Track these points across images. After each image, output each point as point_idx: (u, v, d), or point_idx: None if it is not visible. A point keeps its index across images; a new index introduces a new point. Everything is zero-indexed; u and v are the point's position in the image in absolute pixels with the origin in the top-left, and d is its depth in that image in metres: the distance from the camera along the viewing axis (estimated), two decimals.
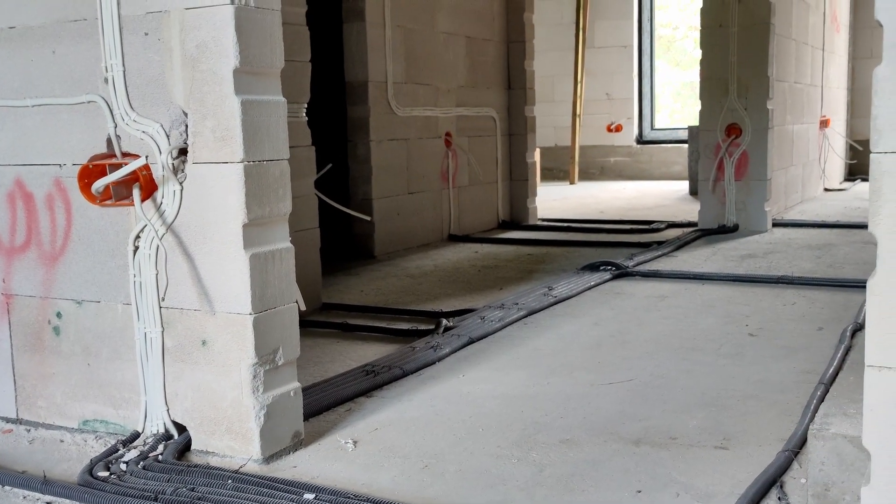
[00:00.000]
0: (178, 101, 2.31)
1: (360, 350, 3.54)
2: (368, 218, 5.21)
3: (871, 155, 1.62)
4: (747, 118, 6.37)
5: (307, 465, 2.36)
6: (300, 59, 4.10)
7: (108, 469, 2.28)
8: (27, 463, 2.42)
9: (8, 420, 2.74)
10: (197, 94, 2.28)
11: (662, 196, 9.73)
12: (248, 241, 2.29)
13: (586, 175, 12.26)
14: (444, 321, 3.72)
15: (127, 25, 2.35)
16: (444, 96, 6.47)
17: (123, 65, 2.37)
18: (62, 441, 2.57)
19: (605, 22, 12.16)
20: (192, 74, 2.28)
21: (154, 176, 2.36)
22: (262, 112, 2.31)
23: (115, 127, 2.40)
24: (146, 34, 2.33)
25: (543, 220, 7.59)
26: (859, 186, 9.63)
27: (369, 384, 2.97)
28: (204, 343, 2.36)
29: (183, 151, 2.33)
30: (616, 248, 5.90)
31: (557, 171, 12.28)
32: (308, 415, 2.62)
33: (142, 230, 2.39)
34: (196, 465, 2.30)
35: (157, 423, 2.46)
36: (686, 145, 10.83)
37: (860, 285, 3.99)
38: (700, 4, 6.46)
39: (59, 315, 2.59)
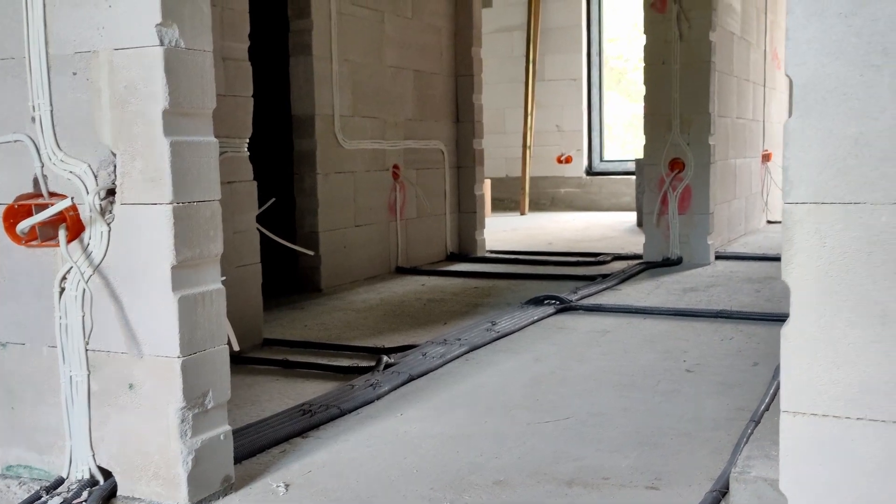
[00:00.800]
0: (106, 141, 2.29)
1: (299, 388, 3.50)
2: (311, 252, 5.19)
3: (784, 205, 1.66)
4: (690, 153, 6.50)
5: None
6: (242, 94, 4.09)
7: None
8: None
9: None
10: (126, 135, 2.26)
11: (610, 227, 9.85)
12: (176, 283, 2.26)
13: (537, 206, 12.38)
14: (385, 358, 3.71)
15: (55, 65, 2.33)
16: (391, 129, 6.50)
17: (51, 104, 2.34)
18: None
19: (554, 55, 12.35)
20: (120, 115, 2.26)
21: (81, 217, 2.32)
22: (192, 153, 2.29)
23: (42, 167, 2.36)
24: (74, 74, 2.30)
25: (492, 251, 7.63)
26: None
27: (305, 424, 2.94)
28: (131, 387, 2.32)
29: (111, 192, 2.30)
30: (562, 282, 5.95)
31: (508, 201, 12.38)
32: (240, 457, 2.59)
33: (68, 272, 2.35)
34: None
35: (82, 469, 2.40)
36: (634, 177, 11.00)
37: None
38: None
39: None
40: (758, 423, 2.71)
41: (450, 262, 7.17)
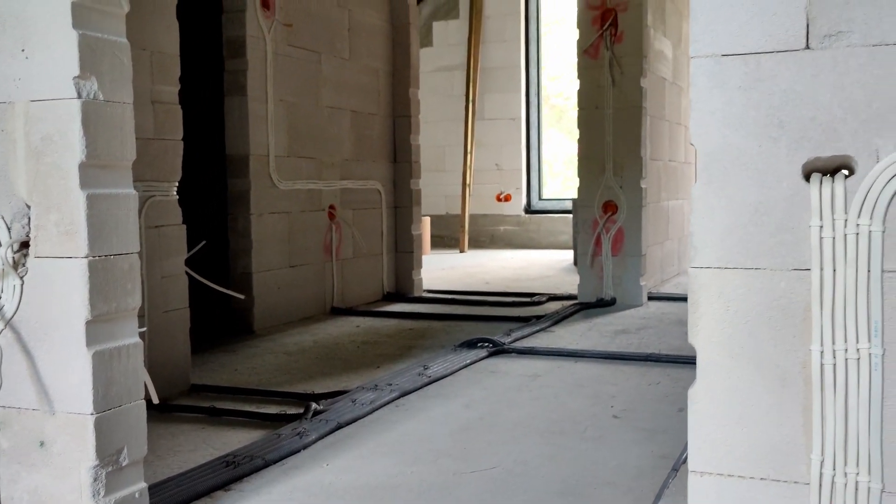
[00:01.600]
0: (21, 193, 2.25)
1: (225, 437, 3.45)
2: (242, 296, 5.13)
3: (689, 269, 1.70)
4: (623, 196, 6.62)
5: None
6: (172, 137, 4.05)
7: None
8: None
9: None
10: (41, 187, 2.22)
11: (548, 266, 9.95)
12: (91, 338, 2.22)
13: (476, 243, 12.45)
14: (314, 405, 3.67)
15: None
16: (328, 169, 6.49)
17: None
18: None
19: (494, 95, 12.51)
20: (36, 167, 2.22)
21: None
22: (110, 205, 2.26)
23: None
24: None
25: (429, 291, 7.64)
26: None
27: (228, 476, 2.89)
28: (42, 444, 2.26)
29: (25, 245, 2.26)
30: (497, 323, 5.98)
31: (448, 238, 12.43)
32: None
33: None
34: None
35: None
36: (572, 215, 11.15)
37: None
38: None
39: None
40: (678, 471, 2.75)
41: (386, 301, 7.16)
